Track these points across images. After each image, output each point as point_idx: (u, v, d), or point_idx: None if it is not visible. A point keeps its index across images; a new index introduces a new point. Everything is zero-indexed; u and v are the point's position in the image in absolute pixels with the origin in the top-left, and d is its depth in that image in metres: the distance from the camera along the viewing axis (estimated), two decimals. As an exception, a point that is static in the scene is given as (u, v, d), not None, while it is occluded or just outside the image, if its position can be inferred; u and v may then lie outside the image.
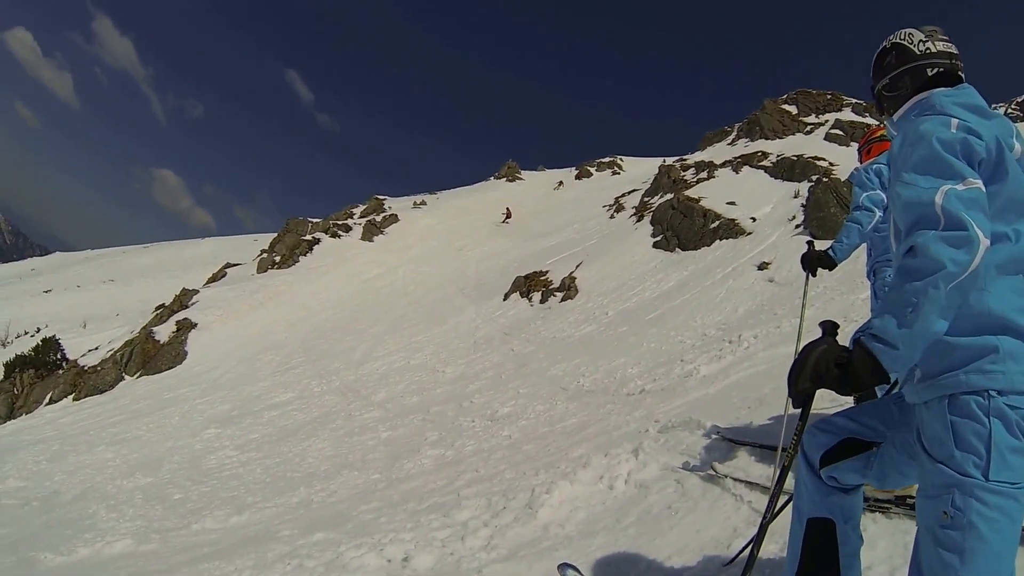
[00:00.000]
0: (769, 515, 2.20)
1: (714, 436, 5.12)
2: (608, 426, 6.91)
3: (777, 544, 3.08)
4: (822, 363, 1.79)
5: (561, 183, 41.14)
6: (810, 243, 4.44)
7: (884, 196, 4.10)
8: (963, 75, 2.11)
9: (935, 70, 2.10)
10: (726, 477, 4.22)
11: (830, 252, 4.15)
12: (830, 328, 1.91)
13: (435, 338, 17.27)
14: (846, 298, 8.85)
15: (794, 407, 2.00)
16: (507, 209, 38.14)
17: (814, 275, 4.28)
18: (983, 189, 1.75)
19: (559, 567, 3.47)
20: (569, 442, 6.73)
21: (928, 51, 2.11)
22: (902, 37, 2.17)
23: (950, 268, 1.61)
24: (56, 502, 9.10)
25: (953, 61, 2.11)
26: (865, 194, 4.11)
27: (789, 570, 2.30)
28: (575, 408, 8.32)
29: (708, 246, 16.82)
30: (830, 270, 4.28)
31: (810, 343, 1.88)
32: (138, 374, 20.72)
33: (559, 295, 18.08)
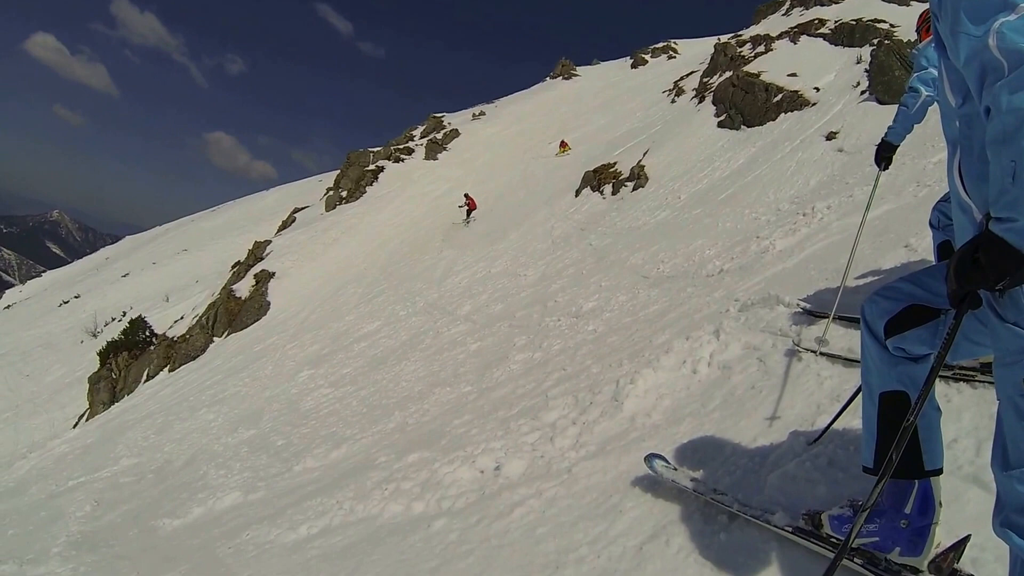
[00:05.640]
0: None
1: (794, 311, 4.98)
2: (689, 309, 6.81)
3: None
4: (961, 263, 1.59)
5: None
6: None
7: (935, 73, 4.02)
8: None
9: None
10: (808, 351, 4.12)
11: (887, 139, 4.35)
12: (982, 222, 1.65)
13: (513, 244, 17.43)
14: (917, 163, 8.29)
15: (951, 307, 1.75)
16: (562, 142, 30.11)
17: (884, 168, 4.48)
18: None
19: (646, 458, 3.50)
20: (652, 329, 6.67)
21: None
22: None
23: None
24: (169, 471, 9.56)
25: None
26: (916, 75, 4.11)
27: (866, 450, 2.19)
28: (657, 295, 8.23)
29: (773, 120, 16.16)
30: (892, 153, 4.43)
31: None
32: (226, 334, 21.51)
33: (630, 185, 17.84)
